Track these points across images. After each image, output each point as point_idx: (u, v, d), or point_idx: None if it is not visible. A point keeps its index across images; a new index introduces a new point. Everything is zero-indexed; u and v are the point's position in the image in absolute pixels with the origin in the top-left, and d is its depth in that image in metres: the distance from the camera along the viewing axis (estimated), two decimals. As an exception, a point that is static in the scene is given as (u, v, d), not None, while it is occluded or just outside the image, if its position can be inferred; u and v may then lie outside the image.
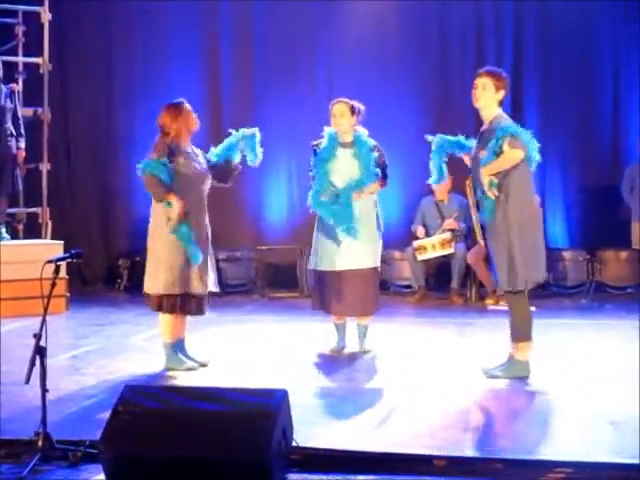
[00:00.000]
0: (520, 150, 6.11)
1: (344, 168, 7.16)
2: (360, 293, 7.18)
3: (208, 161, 6.85)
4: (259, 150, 7.01)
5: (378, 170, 7.16)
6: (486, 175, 6.09)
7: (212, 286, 6.81)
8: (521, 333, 6.31)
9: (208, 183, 6.79)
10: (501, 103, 6.35)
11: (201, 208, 6.71)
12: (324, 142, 7.25)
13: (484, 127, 6.31)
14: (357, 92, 9.74)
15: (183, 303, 6.63)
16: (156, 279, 6.61)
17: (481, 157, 6.18)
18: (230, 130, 7.07)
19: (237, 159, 6.98)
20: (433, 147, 6.67)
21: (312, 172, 7.25)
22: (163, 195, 6.49)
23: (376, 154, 7.17)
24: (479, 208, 6.31)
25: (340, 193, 7.11)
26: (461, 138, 6.63)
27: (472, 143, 6.54)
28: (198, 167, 6.68)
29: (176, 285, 6.54)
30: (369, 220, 7.22)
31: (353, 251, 7.11)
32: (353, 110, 7.19)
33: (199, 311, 6.75)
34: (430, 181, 6.84)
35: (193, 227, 6.56)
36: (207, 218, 6.80)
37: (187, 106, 6.72)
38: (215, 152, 6.94)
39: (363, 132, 7.26)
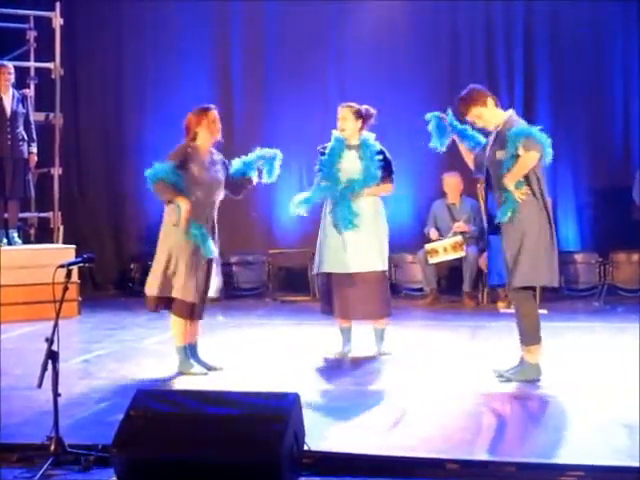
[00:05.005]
0: (535, 151, 6.11)
1: (348, 168, 7.22)
2: (368, 296, 7.21)
3: (227, 170, 6.86)
4: (277, 170, 6.99)
5: (379, 172, 7.19)
6: (511, 183, 6.10)
7: (212, 292, 6.87)
8: (531, 336, 6.30)
9: (220, 193, 6.78)
10: (498, 105, 6.37)
11: (210, 217, 6.69)
12: (331, 143, 7.32)
13: (498, 128, 6.30)
14: (368, 94, 9.75)
15: (176, 306, 6.66)
16: (151, 279, 6.70)
17: (499, 157, 6.18)
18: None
19: (253, 175, 6.96)
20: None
21: (318, 167, 7.33)
22: (171, 196, 6.53)
23: (380, 157, 7.21)
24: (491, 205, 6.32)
25: (340, 192, 7.18)
26: (468, 128, 6.64)
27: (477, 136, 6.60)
28: (211, 176, 6.65)
29: (164, 287, 6.60)
30: (374, 222, 7.25)
31: (359, 254, 7.15)
32: (358, 114, 7.24)
33: (192, 316, 6.71)
34: (432, 144, 6.79)
35: (205, 228, 6.60)
36: (215, 227, 6.79)
37: (214, 112, 6.71)
38: (234, 166, 6.91)
39: (370, 136, 7.31)
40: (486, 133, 6.57)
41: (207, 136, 6.68)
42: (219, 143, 6.94)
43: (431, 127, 6.67)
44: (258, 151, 6.97)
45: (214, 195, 6.70)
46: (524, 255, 6.15)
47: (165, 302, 6.69)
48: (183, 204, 6.48)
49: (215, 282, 6.86)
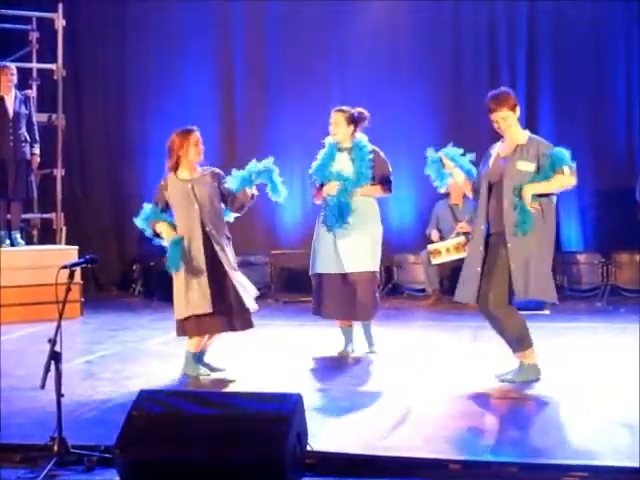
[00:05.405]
0: (575, 179, 6.17)
1: (341, 170, 7.23)
2: (356, 297, 7.22)
3: (218, 180, 6.72)
4: (282, 188, 6.80)
5: (370, 172, 7.20)
6: (532, 191, 6.11)
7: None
8: (522, 343, 6.31)
9: (210, 204, 6.62)
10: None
11: (199, 229, 6.57)
12: (324, 148, 7.37)
13: (520, 142, 6.30)
14: (370, 96, 9.76)
15: (196, 324, 6.60)
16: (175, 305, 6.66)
17: (524, 169, 6.16)
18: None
19: (252, 192, 6.73)
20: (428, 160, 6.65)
21: (312, 170, 7.36)
22: (154, 230, 6.64)
23: (371, 156, 7.22)
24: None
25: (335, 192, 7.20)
26: (465, 160, 6.60)
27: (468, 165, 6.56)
28: (187, 194, 6.57)
29: (183, 309, 6.57)
30: (368, 223, 7.26)
31: (351, 254, 7.17)
32: (350, 120, 7.25)
33: (199, 331, 6.64)
34: (437, 186, 6.77)
35: (185, 247, 6.54)
36: (221, 238, 6.68)
37: (196, 134, 6.64)
38: (230, 182, 6.70)
39: (362, 138, 7.34)
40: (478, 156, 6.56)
41: (189, 159, 6.61)
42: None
43: (430, 170, 6.62)
44: (252, 165, 6.70)
45: (194, 208, 6.56)
46: (532, 268, 6.16)
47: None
48: (159, 228, 6.59)
49: (248, 294, 6.84)
